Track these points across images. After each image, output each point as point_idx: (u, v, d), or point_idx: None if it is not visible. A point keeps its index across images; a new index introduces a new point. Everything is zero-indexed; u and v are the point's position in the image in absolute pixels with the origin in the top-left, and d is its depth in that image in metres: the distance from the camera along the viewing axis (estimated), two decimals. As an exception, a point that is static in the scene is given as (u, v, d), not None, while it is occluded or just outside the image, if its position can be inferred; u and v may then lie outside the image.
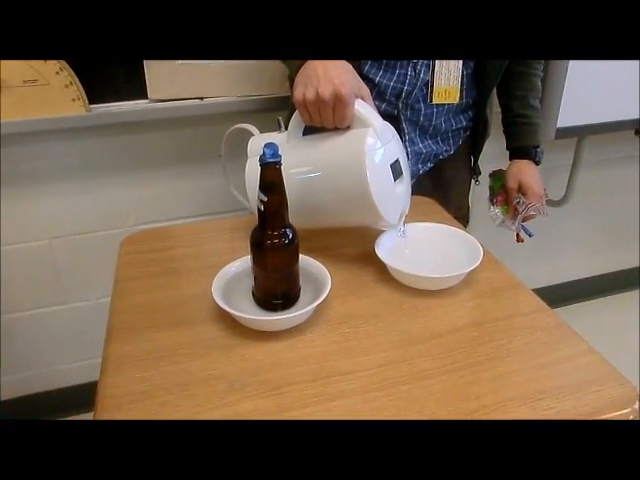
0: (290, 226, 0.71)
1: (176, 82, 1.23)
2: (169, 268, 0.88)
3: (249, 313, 0.71)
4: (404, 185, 0.85)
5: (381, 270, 0.84)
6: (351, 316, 0.76)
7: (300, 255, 0.75)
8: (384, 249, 0.84)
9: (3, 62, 1.15)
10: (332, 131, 0.80)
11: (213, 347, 0.70)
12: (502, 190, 1.20)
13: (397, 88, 1.02)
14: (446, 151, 1.14)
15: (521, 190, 1.16)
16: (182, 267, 0.89)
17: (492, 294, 0.81)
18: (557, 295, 1.99)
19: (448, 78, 1.03)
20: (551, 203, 1.81)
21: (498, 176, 1.23)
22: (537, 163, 1.17)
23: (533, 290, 0.81)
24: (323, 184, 0.81)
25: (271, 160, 0.65)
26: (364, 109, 0.78)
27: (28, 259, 1.42)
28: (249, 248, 0.73)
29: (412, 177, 1.10)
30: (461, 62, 1.01)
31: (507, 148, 1.20)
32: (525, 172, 1.15)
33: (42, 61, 1.17)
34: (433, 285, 0.80)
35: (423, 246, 0.89)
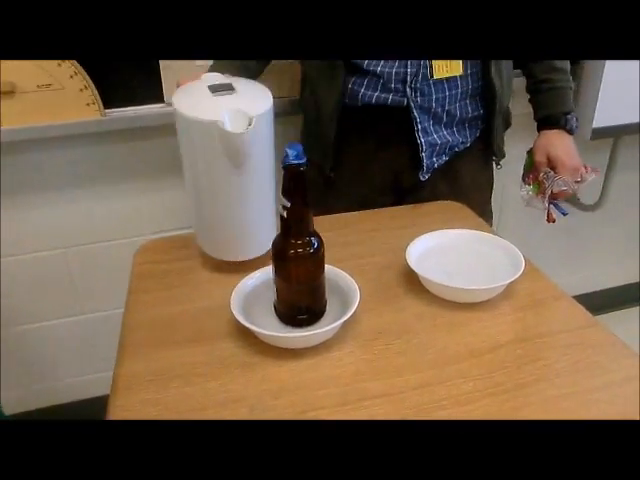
0: (315, 234, 0.65)
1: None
2: (185, 279, 0.83)
3: (271, 329, 0.66)
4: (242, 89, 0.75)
5: (412, 281, 0.78)
6: (382, 332, 0.70)
7: (325, 265, 0.69)
8: (415, 258, 0.78)
9: (16, 67, 1.12)
10: None
11: (232, 366, 0.65)
12: (534, 166, 1.10)
13: (401, 73, 0.95)
14: (462, 143, 1.05)
15: (550, 164, 1.04)
16: (198, 278, 0.83)
17: (534, 307, 0.74)
18: (589, 303, 1.90)
19: None
20: (584, 207, 1.72)
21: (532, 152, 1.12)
22: (570, 132, 1.05)
23: (579, 302, 0.74)
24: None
25: (295, 162, 0.60)
26: None
27: (43, 268, 1.38)
28: (271, 258, 0.67)
29: (427, 171, 1.03)
30: None
31: (534, 119, 1.09)
32: (554, 143, 1.04)
33: (56, 65, 1.14)
34: (470, 297, 0.74)
35: (456, 254, 0.82)
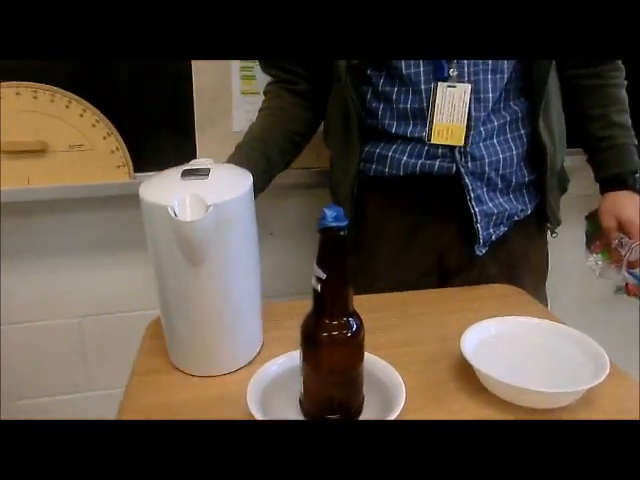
0: (354, 314, 0.54)
1: (228, 151, 1.13)
2: (199, 359, 0.71)
3: (294, 430, 0.53)
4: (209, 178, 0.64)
5: (467, 377, 0.65)
6: (432, 441, 0.56)
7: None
8: (471, 348, 0.66)
9: (50, 126, 1.09)
10: None
11: (243, 475, 0.52)
12: (601, 233, 0.99)
13: None
14: (522, 210, 0.93)
15: (621, 228, 0.94)
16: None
17: (624, 417, 0.60)
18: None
19: (451, 113, 0.84)
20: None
21: (595, 217, 1.01)
22: (639, 192, 0.94)
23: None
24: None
25: (333, 224, 0.50)
26: None
27: (57, 338, 1.29)
28: (299, 341, 0.56)
29: (484, 244, 0.91)
30: (468, 96, 0.83)
31: (596, 180, 0.99)
32: (623, 205, 0.93)
33: (91, 125, 1.10)
34: (541, 402, 0.60)
35: (521, 348, 0.69)
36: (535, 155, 0.91)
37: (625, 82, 0.96)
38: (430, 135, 0.85)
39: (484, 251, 0.91)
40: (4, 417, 1.32)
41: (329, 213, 0.50)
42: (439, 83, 0.83)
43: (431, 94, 0.84)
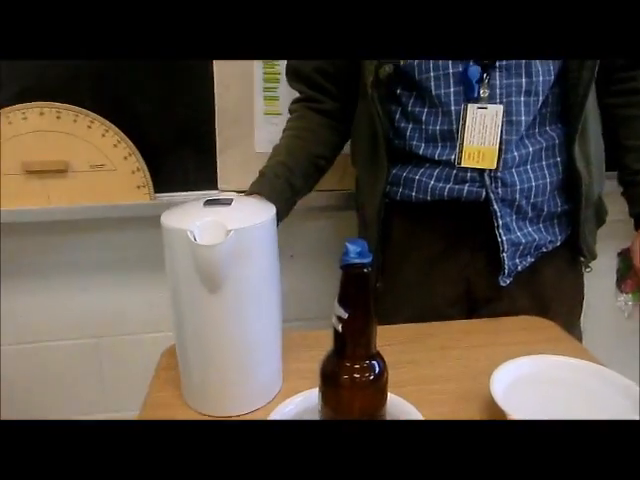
0: (378, 356, 0.50)
1: (249, 172, 1.11)
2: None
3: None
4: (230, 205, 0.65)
5: (498, 417, 0.61)
6: (460, 493, 0.52)
7: (387, 395, 0.53)
8: (502, 389, 0.61)
9: (71, 147, 1.08)
10: None
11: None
12: (632, 272, 0.95)
13: None
14: (551, 242, 0.89)
15: None
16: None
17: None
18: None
19: (482, 136, 0.80)
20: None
21: (628, 255, 0.97)
22: None
23: None
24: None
25: (356, 261, 0.46)
26: None
27: (74, 358, 1.28)
28: (318, 380, 0.52)
29: (508, 275, 0.86)
30: (500, 118, 0.79)
31: (630, 215, 0.93)
32: None
33: (112, 146, 1.10)
34: (579, 452, 0.55)
35: (557, 390, 0.64)
36: (570, 184, 0.87)
37: None
38: (460, 158, 0.82)
39: (508, 282, 0.87)
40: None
41: (352, 248, 0.46)
42: (469, 104, 0.80)
43: (461, 115, 0.81)
